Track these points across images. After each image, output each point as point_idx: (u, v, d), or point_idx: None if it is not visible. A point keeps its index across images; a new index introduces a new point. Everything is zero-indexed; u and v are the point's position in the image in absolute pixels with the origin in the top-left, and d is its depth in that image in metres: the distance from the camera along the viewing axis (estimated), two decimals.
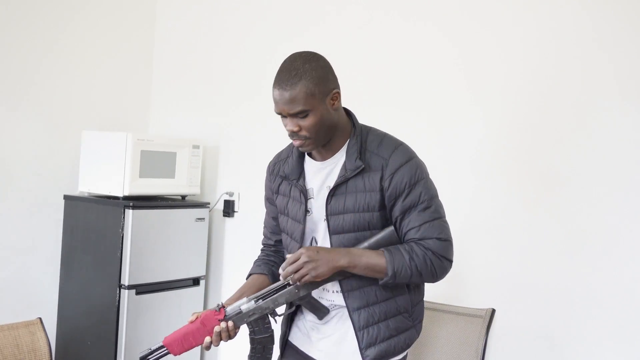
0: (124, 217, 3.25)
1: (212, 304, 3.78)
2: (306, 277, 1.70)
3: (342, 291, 1.81)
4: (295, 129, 1.72)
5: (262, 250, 2.13)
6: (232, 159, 3.77)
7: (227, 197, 3.74)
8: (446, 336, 2.54)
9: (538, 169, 2.68)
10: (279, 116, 1.76)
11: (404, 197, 1.74)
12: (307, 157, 1.88)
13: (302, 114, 1.71)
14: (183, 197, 3.65)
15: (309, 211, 1.85)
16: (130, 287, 3.24)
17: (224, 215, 3.76)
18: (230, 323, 1.77)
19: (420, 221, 1.74)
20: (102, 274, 3.31)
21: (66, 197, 3.55)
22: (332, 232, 1.79)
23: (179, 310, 3.50)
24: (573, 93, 2.61)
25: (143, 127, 4.06)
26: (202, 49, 3.87)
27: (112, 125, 3.79)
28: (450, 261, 1.78)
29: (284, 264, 1.73)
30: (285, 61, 1.75)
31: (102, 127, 3.72)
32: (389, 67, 3.11)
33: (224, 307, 1.79)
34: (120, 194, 3.30)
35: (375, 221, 1.77)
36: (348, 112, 1.85)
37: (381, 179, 1.75)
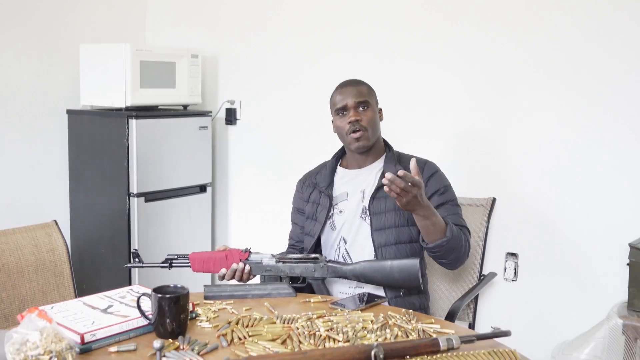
0: (128, 128, 3.28)
1: (220, 210, 3.88)
2: (400, 199, 1.79)
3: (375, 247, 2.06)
4: (358, 117, 2.05)
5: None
6: (231, 68, 3.77)
7: (229, 106, 3.77)
8: None
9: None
10: (338, 117, 2.10)
11: (441, 193, 2.07)
12: (338, 169, 2.21)
13: (365, 105, 2.08)
14: (185, 106, 3.67)
15: (341, 211, 2.13)
16: (139, 195, 3.31)
17: (227, 124, 3.79)
18: (247, 267, 1.92)
19: (454, 212, 2.06)
20: (111, 184, 3.38)
21: (69, 112, 3.57)
22: (374, 228, 2.05)
23: (188, 216, 3.60)
24: None
25: (140, 38, 4.04)
26: None
27: (109, 37, 3.78)
28: (470, 249, 2.06)
29: (407, 174, 1.76)
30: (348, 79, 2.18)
31: (99, 40, 3.70)
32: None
33: (249, 252, 1.94)
34: (122, 105, 3.32)
35: (412, 218, 1.94)
36: (384, 140, 2.20)
37: None
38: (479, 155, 2.89)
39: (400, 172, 1.74)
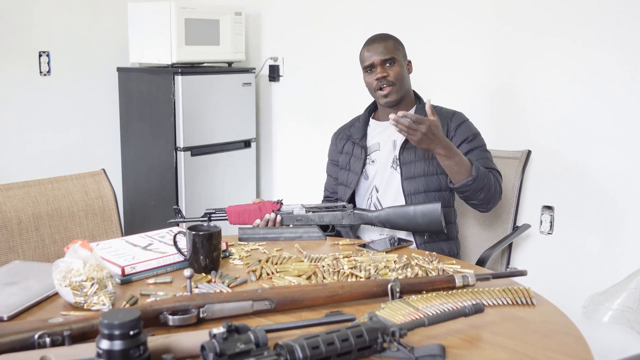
0: (174, 84, 3.40)
1: (264, 165, 3.98)
2: (411, 137, 1.90)
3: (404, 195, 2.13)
4: (384, 74, 2.12)
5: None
6: (274, 25, 3.84)
7: (272, 62, 3.84)
8: None
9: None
10: (367, 74, 2.16)
11: (470, 140, 2.13)
12: (371, 121, 2.28)
13: (391, 61, 2.13)
14: (229, 63, 3.76)
15: (374, 161, 2.21)
16: (185, 149, 3.44)
17: (270, 80, 3.87)
18: (279, 217, 2.03)
19: (484, 157, 2.11)
20: (159, 138, 3.51)
21: (119, 69, 3.71)
22: (404, 177, 2.13)
23: (233, 171, 3.71)
24: None
25: None
26: None
27: None
28: (501, 196, 2.12)
29: (408, 113, 1.87)
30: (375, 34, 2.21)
31: None
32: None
33: (281, 203, 2.05)
34: (168, 62, 3.44)
35: (442, 168, 2.03)
36: (415, 92, 2.26)
37: (447, 131, 2.12)
38: (514, 108, 2.89)
39: (400, 113, 1.85)
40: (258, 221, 2.05)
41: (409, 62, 2.23)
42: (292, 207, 2.06)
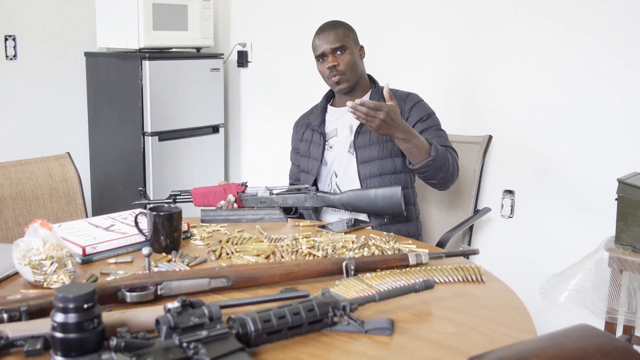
0: (141, 69, 3.40)
1: (232, 150, 4.00)
2: (370, 124, 1.88)
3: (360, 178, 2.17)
4: (335, 63, 2.15)
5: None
6: (243, 10, 3.85)
7: (240, 48, 3.85)
8: None
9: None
10: (319, 63, 2.19)
11: (424, 120, 2.16)
12: (329, 108, 2.32)
13: (341, 50, 2.15)
14: (197, 49, 3.76)
15: (332, 147, 2.24)
16: (153, 134, 3.45)
17: (238, 66, 3.89)
18: (235, 204, 2.06)
19: (438, 135, 2.14)
20: (127, 123, 3.51)
21: (87, 54, 3.70)
22: (359, 161, 2.17)
23: (202, 156, 3.73)
24: None
25: None
26: None
27: None
28: (459, 169, 2.14)
29: (366, 101, 1.86)
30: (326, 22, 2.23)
31: None
32: None
33: (246, 185, 2.09)
34: (136, 47, 3.43)
35: (396, 149, 2.10)
36: (369, 76, 2.29)
37: (402, 111, 2.15)
38: (476, 94, 2.95)
39: (358, 100, 1.84)
40: (222, 203, 2.08)
41: (361, 47, 2.25)
42: (256, 190, 2.09)
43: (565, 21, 2.66)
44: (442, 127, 2.21)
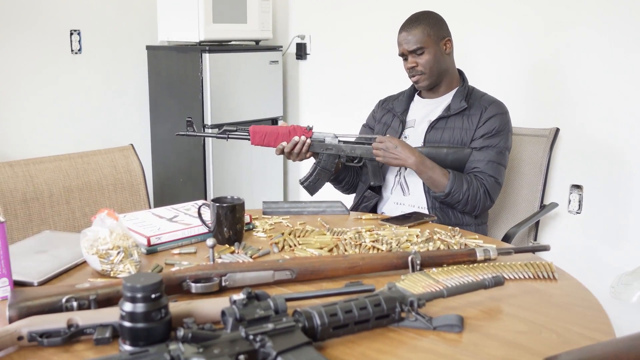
0: (202, 62, 3.42)
1: None
2: (378, 158, 2.03)
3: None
4: (413, 64, 2.12)
5: None
6: (301, 3, 3.83)
7: (299, 40, 3.84)
8: (512, 156, 2.63)
9: None
10: (403, 61, 2.15)
11: (488, 136, 2.08)
12: (416, 97, 2.27)
13: (419, 51, 2.10)
14: (256, 41, 3.77)
15: (406, 137, 2.18)
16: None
17: (297, 58, 3.88)
18: (308, 140, 2.01)
19: (490, 159, 2.07)
20: (187, 116, 3.54)
21: (148, 47, 3.75)
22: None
23: (261, 149, 3.72)
24: None
25: None
26: None
27: None
28: (493, 202, 2.10)
29: (379, 137, 2.03)
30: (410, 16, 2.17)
31: None
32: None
33: (312, 130, 2.02)
34: (196, 40, 3.46)
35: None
36: (460, 71, 2.23)
37: (479, 120, 2.09)
38: (544, 86, 2.86)
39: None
40: (284, 143, 2.01)
41: (447, 40, 2.15)
42: (324, 135, 2.04)
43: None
44: (505, 151, 2.13)
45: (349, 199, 2.27)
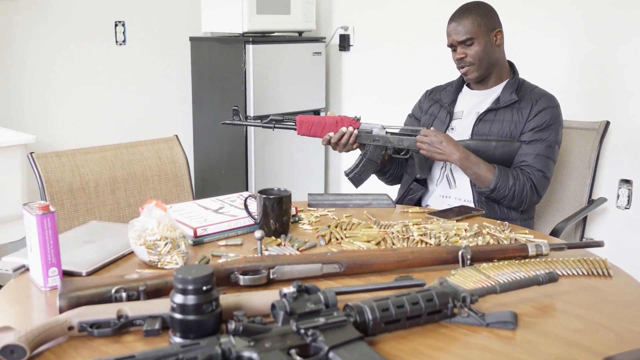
0: (245, 53, 3.42)
1: None
2: (422, 151, 2.00)
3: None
4: (462, 55, 2.07)
5: None
6: None
7: (342, 32, 3.82)
8: (560, 150, 2.57)
9: None
10: (452, 52, 2.10)
11: (538, 130, 2.03)
12: (464, 88, 2.22)
13: (468, 42, 2.05)
14: (299, 33, 3.75)
15: (453, 129, 2.15)
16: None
17: (340, 50, 3.85)
18: (355, 131, 1.99)
19: (538, 152, 2.02)
20: (230, 106, 3.53)
21: (192, 39, 3.77)
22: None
23: (302, 140, 3.71)
24: None
25: None
26: None
27: None
28: (540, 197, 2.06)
29: (423, 130, 2.01)
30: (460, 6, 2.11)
31: None
32: None
33: (359, 121, 1.99)
34: (239, 31, 3.46)
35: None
36: (510, 63, 2.18)
37: (529, 113, 2.05)
38: (593, 78, 2.79)
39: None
40: (331, 134, 1.99)
41: (498, 32, 2.09)
42: (371, 126, 2.01)
43: None
44: (555, 145, 2.08)
45: (392, 190, 2.24)
